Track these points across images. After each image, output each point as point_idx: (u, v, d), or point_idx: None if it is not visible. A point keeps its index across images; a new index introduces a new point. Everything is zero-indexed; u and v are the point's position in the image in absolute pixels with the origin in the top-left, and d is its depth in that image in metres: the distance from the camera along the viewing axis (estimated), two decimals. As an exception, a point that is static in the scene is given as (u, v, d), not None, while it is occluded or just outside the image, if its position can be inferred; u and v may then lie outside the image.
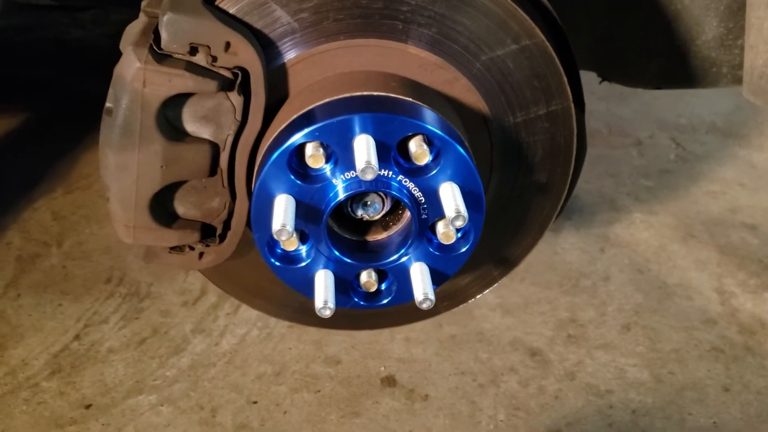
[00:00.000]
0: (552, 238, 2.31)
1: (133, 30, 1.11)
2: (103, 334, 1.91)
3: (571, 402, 1.78)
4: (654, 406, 1.77)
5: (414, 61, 1.17)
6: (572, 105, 1.23)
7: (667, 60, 1.80)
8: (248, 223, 1.23)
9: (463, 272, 1.21)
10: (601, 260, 2.26)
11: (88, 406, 1.71)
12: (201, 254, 1.24)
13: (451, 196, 1.05)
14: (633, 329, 2.00)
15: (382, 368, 1.84)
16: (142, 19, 1.13)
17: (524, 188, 1.30)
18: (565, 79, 1.20)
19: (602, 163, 2.81)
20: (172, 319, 1.96)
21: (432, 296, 1.11)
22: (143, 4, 1.17)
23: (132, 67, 1.04)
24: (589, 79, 1.95)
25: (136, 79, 1.04)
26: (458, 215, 1.02)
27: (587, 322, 2.02)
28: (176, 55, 1.07)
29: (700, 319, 2.05)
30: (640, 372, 1.86)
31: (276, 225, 1.03)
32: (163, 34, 1.06)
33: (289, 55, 1.16)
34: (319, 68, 1.16)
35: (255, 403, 1.74)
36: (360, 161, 1.00)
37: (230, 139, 1.14)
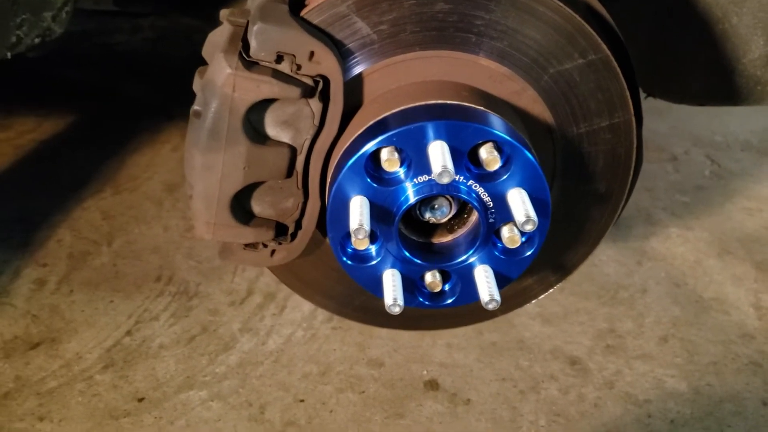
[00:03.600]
0: (590, 249, 2.36)
1: (219, 38, 1.17)
2: (154, 330, 1.96)
3: (610, 410, 1.80)
4: (692, 417, 1.79)
5: (484, 72, 1.22)
6: (633, 118, 1.28)
7: (712, 77, 1.83)
8: (318, 224, 1.29)
9: (522, 276, 1.25)
10: (638, 273, 2.29)
11: (141, 400, 1.76)
12: (273, 252, 1.29)
13: (520, 202, 1.10)
14: (670, 341, 2.02)
15: (425, 372, 1.87)
16: (227, 27, 1.18)
17: (584, 196, 1.34)
18: (627, 93, 1.25)
19: (638, 177, 2.83)
20: (220, 318, 2.01)
21: (498, 297, 1.16)
22: (224, 13, 1.23)
23: (223, 72, 1.10)
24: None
25: (226, 85, 1.10)
26: (528, 219, 1.07)
27: (625, 333, 2.04)
28: (263, 63, 1.13)
29: (737, 334, 2.06)
30: (678, 383, 1.88)
31: (353, 224, 1.08)
32: (253, 43, 1.12)
33: (366, 64, 1.22)
34: (394, 77, 1.22)
35: (302, 401, 1.78)
36: (437, 165, 1.05)
37: (307, 143, 1.19)
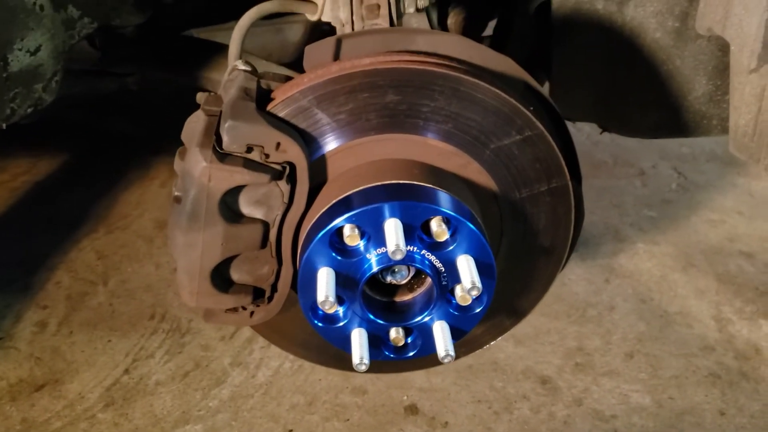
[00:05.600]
0: (560, 270, 2.47)
1: (195, 127, 1.30)
2: (150, 368, 2.07)
3: (579, 427, 1.92)
4: (655, 430, 1.91)
5: (433, 150, 1.35)
6: (569, 182, 1.41)
7: (662, 113, 1.96)
8: (292, 286, 1.42)
9: (478, 324, 1.39)
10: (606, 291, 2.41)
11: (140, 436, 1.88)
12: (252, 313, 1.43)
13: (467, 268, 1.23)
14: (636, 357, 2.14)
15: (405, 397, 1.99)
16: (202, 117, 1.31)
17: (530, 251, 1.48)
18: (562, 161, 1.38)
19: (607, 194, 2.95)
20: (212, 353, 2.13)
21: (452, 352, 1.29)
22: (200, 99, 1.36)
23: (199, 165, 1.23)
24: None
25: (202, 175, 1.23)
26: (473, 286, 1.21)
27: (593, 351, 2.17)
28: (235, 153, 1.27)
29: (698, 346, 2.18)
30: (643, 398, 2.00)
31: (320, 296, 1.21)
32: (225, 138, 1.25)
33: (328, 147, 1.34)
34: (354, 157, 1.35)
35: (291, 431, 1.89)
36: (390, 244, 1.18)
37: (278, 219, 1.33)
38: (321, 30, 2.19)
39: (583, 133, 3.36)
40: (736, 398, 2.02)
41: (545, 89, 1.57)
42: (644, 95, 1.96)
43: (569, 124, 1.59)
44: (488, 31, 2.33)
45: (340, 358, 1.44)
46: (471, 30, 2.07)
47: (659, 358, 2.15)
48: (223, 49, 2.11)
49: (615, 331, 2.24)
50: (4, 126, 1.74)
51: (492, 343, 1.54)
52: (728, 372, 2.10)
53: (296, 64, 1.51)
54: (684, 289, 2.43)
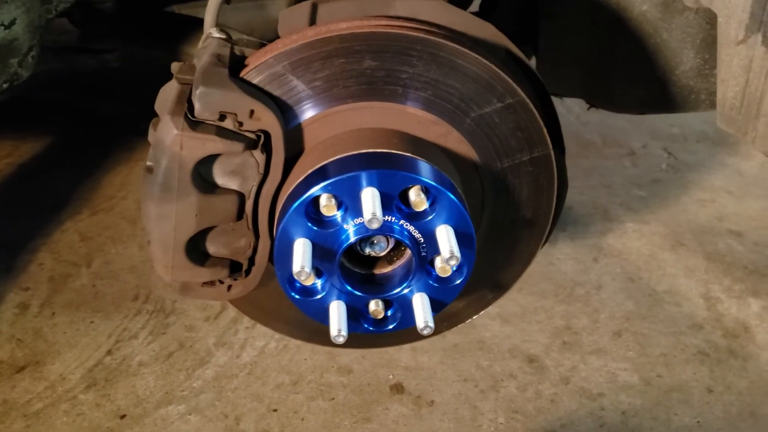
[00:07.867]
0: (548, 249, 2.43)
1: (168, 96, 1.27)
2: (134, 348, 2.05)
3: (566, 405, 1.91)
4: (642, 408, 1.90)
5: (412, 118, 1.33)
6: (552, 151, 1.39)
7: (649, 88, 1.93)
8: (270, 259, 1.40)
9: (460, 297, 1.36)
10: (594, 270, 2.39)
11: (122, 417, 1.85)
12: (229, 287, 1.40)
13: (446, 238, 1.21)
14: (624, 335, 2.13)
15: (391, 376, 1.97)
16: (175, 85, 1.28)
17: (513, 223, 1.46)
18: (544, 130, 1.36)
19: (596, 174, 2.93)
20: (196, 334, 2.10)
21: (431, 323, 1.27)
22: (175, 69, 1.33)
23: (171, 133, 1.20)
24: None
25: (174, 144, 1.21)
26: (452, 256, 1.18)
27: (581, 330, 2.15)
28: (207, 122, 1.24)
29: (687, 325, 2.18)
30: (630, 376, 1.99)
31: (296, 267, 1.19)
32: (196, 105, 1.22)
33: (304, 116, 1.32)
34: (331, 126, 1.32)
35: (275, 411, 1.88)
36: (367, 213, 1.16)
37: (254, 189, 1.30)
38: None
39: (572, 113, 3.34)
40: (724, 376, 2.01)
41: (529, 59, 1.54)
42: (631, 70, 1.93)
43: (557, 101, 1.57)
44: (474, 6, 2.30)
45: (320, 333, 1.42)
46: (457, 5, 2.04)
47: (647, 337, 2.14)
48: (204, 24, 2.07)
49: (603, 310, 2.23)
50: (-21, 101, 1.70)
51: (475, 317, 1.52)
52: (716, 350, 2.09)
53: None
54: (673, 268, 2.42)
